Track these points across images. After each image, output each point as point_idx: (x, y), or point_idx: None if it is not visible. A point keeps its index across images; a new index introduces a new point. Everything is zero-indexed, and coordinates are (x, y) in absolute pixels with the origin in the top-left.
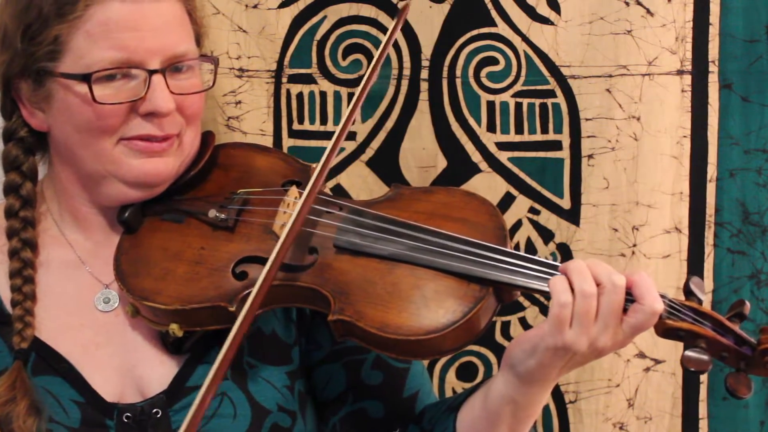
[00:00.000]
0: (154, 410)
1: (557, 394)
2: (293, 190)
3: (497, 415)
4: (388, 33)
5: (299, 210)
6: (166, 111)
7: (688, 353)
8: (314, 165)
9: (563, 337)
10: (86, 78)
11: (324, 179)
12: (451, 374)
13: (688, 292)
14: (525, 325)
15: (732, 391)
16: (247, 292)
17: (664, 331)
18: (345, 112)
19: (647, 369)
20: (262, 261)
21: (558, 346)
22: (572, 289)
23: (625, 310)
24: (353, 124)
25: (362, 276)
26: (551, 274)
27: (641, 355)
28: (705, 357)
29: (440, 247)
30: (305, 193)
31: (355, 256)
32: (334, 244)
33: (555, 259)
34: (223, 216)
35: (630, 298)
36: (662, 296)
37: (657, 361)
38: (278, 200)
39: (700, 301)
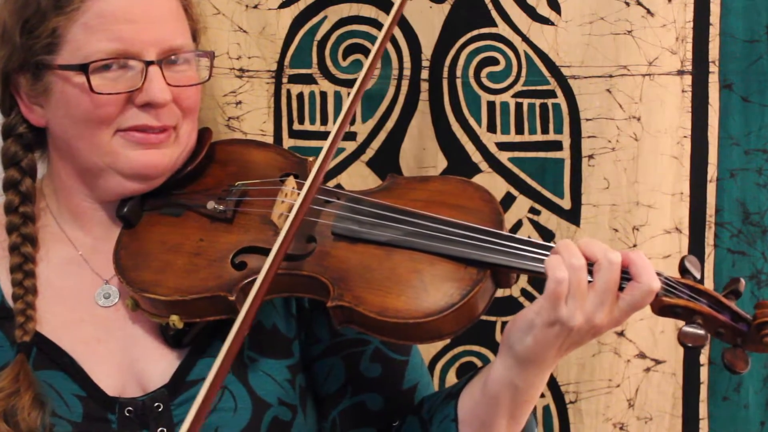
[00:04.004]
0: (156, 404)
1: (557, 394)
2: (290, 180)
3: (497, 399)
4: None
5: (303, 199)
6: (162, 101)
7: (685, 329)
8: (311, 159)
9: (558, 311)
10: (84, 68)
11: (327, 167)
12: (451, 374)
13: (683, 270)
14: None
15: (729, 366)
16: (247, 281)
17: (660, 308)
18: (347, 100)
19: (647, 369)
20: (261, 251)
21: (553, 321)
22: None
23: (622, 288)
24: (353, 124)
25: (360, 262)
26: (547, 256)
27: (641, 356)
28: (701, 332)
29: (437, 231)
30: (308, 182)
31: (353, 243)
32: (332, 232)
33: None
34: (221, 207)
35: (627, 276)
36: (658, 274)
37: (657, 362)
38: (276, 190)
39: (695, 279)
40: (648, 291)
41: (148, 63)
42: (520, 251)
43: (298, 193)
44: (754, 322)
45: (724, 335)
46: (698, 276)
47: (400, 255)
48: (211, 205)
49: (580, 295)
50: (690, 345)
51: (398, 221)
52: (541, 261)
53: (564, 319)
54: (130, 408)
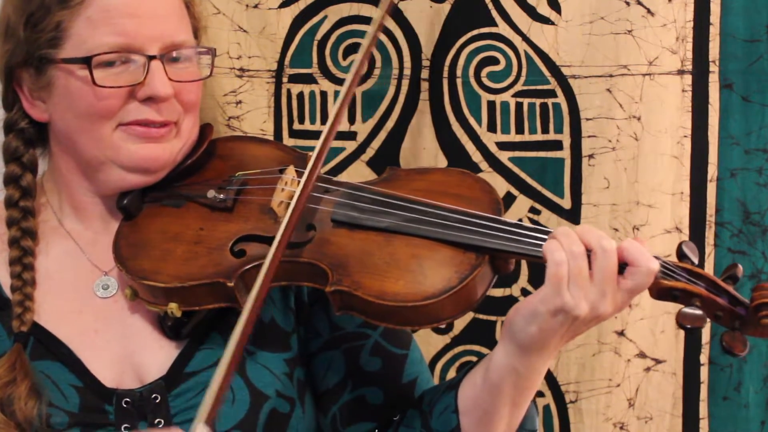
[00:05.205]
0: (153, 396)
1: (557, 394)
2: (290, 169)
3: (499, 386)
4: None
5: (305, 184)
6: (164, 95)
7: (684, 310)
8: (311, 153)
9: (562, 298)
10: (87, 61)
11: (327, 150)
12: (451, 374)
13: (681, 255)
14: None
15: (728, 348)
16: (246, 268)
17: (658, 291)
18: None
19: (648, 369)
20: (261, 239)
21: (558, 308)
22: None
23: (622, 274)
24: (353, 123)
25: (360, 248)
26: (545, 241)
27: (642, 355)
28: (700, 312)
29: (437, 218)
30: (308, 168)
31: (352, 229)
32: (331, 219)
33: None
34: (221, 196)
35: (624, 263)
36: (656, 257)
37: (657, 361)
38: (276, 179)
39: (693, 263)
40: (648, 272)
41: (151, 57)
42: (519, 236)
43: (299, 182)
44: (751, 304)
45: (722, 318)
46: (696, 261)
47: (400, 241)
48: (211, 193)
49: (582, 282)
50: (689, 326)
51: (398, 208)
52: (540, 246)
53: (569, 308)
54: (127, 399)
